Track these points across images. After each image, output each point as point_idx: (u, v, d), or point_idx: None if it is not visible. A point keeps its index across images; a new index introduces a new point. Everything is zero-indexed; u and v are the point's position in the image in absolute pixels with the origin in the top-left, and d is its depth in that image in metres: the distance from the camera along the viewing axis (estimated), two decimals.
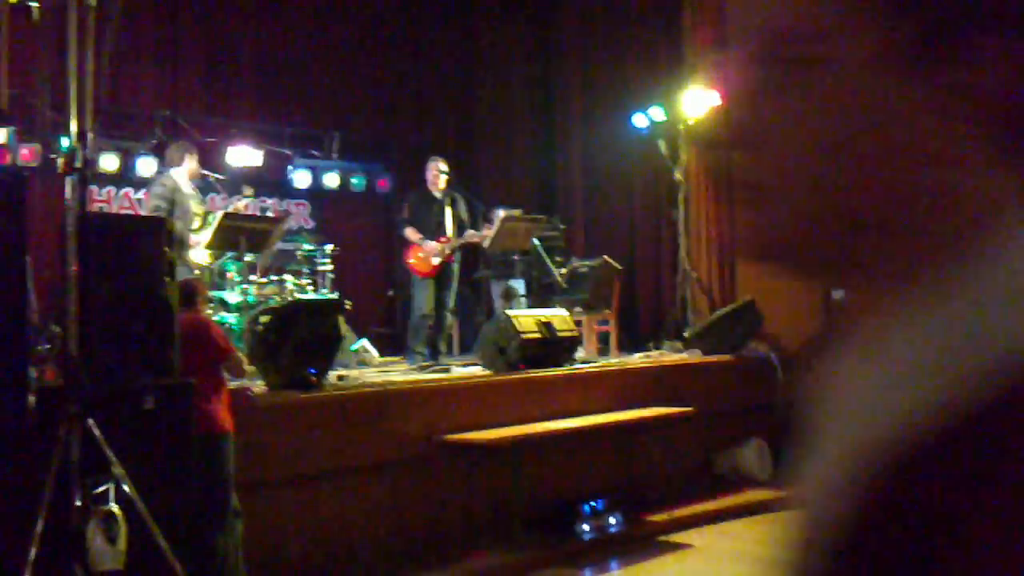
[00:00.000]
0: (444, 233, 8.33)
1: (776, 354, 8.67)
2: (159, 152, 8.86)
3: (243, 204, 7.75)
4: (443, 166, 8.45)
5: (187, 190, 7.35)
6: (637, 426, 7.16)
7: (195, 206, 7.30)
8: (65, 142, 4.18)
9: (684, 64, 10.29)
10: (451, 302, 8.39)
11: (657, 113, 10.21)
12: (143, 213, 8.14)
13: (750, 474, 8.10)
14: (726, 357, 8.50)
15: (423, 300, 8.27)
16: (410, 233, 8.33)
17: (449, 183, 8.52)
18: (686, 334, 9.14)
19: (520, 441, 6.20)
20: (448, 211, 8.41)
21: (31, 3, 6.26)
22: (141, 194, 9.29)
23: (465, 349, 9.80)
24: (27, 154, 8.02)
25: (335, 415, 5.74)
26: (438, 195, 8.43)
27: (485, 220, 8.56)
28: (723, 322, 8.64)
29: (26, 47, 6.93)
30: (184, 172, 7.39)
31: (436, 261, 8.23)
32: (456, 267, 8.43)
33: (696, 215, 10.09)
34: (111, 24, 5.48)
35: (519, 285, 9.37)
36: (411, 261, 8.35)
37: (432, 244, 8.21)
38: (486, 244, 8.45)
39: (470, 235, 8.31)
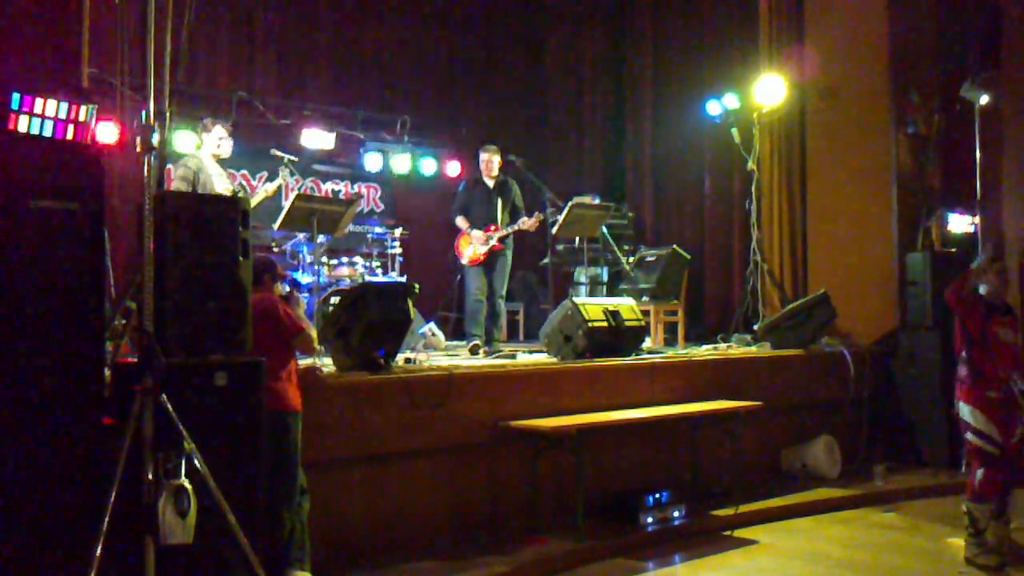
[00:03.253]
0: (494, 221, 8.34)
1: (849, 350, 8.50)
2: (234, 133, 8.95)
3: (273, 187, 7.67)
4: (495, 155, 8.45)
5: (212, 169, 7.25)
6: (703, 419, 7.07)
7: (220, 185, 7.24)
8: (143, 122, 4.23)
9: (759, 51, 10.10)
10: (503, 289, 8.37)
11: (731, 100, 10.06)
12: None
13: (819, 471, 7.96)
14: (797, 351, 8.34)
15: (474, 287, 8.32)
16: (460, 221, 8.38)
17: (503, 170, 8.52)
18: (756, 327, 9.00)
19: (584, 430, 6.17)
20: (499, 199, 8.42)
21: None
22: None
23: (530, 336, 9.78)
24: (106, 132, 8.20)
25: (402, 397, 5.76)
26: (490, 183, 8.45)
27: (552, 206, 8.50)
28: (795, 316, 8.48)
29: (106, 28, 7.06)
30: (208, 149, 7.31)
31: (483, 249, 8.25)
32: (508, 254, 8.40)
33: (769, 206, 9.92)
34: (190, 5, 5.56)
35: (600, 272, 9.32)
36: (460, 249, 8.38)
37: (478, 233, 8.23)
38: (554, 231, 8.41)
39: (521, 223, 8.30)
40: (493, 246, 8.25)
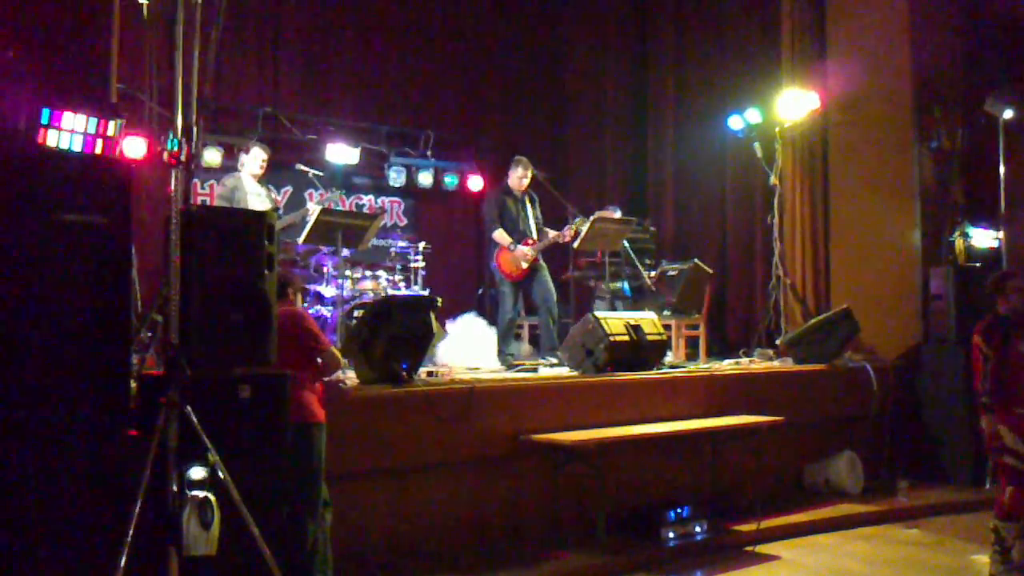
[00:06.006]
0: (528, 235, 8.39)
1: (872, 365, 8.46)
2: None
3: (299, 215, 7.92)
4: (529, 169, 8.50)
5: (250, 188, 7.55)
6: (725, 434, 7.05)
7: (256, 203, 7.49)
8: (171, 136, 4.29)
9: (781, 66, 10.10)
10: (552, 299, 8.39)
11: (753, 115, 10.05)
12: None
13: (841, 487, 7.92)
14: (819, 366, 8.31)
15: (510, 304, 8.36)
16: (500, 236, 8.38)
17: (530, 185, 8.58)
18: (779, 342, 8.97)
19: (606, 444, 6.17)
20: (530, 212, 8.48)
21: (142, 1, 6.48)
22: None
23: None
24: (134, 146, 8.30)
25: (424, 410, 5.79)
26: (519, 196, 8.50)
27: (573, 218, 8.53)
28: (817, 330, 8.45)
29: (134, 43, 7.16)
30: (248, 171, 7.63)
31: (525, 265, 8.28)
32: (545, 265, 8.46)
33: (791, 220, 9.90)
34: (216, 22, 5.63)
35: (622, 286, 9.34)
36: (501, 264, 8.40)
37: (522, 249, 8.26)
38: (575, 244, 8.43)
39: (553, 236, 8.34)
40: (532, 259, 8.30)
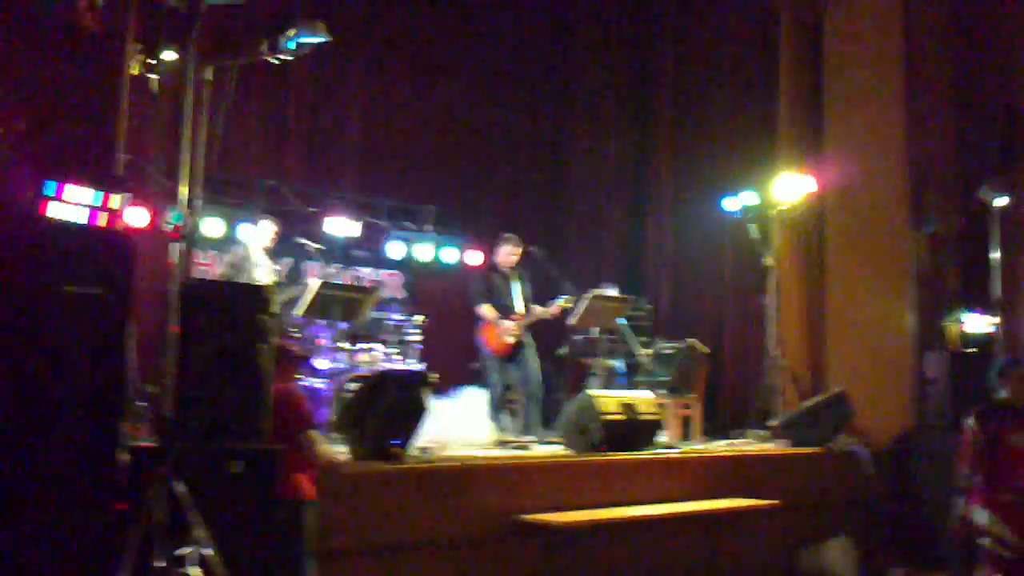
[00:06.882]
0: (515, 310, 8.43)
1: (867, 448, 8.43)
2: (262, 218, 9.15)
3: (298, 290, 8.02)
4: (519, 246, 8.58)
5: (258, 259, 7.65)
6: (719, 517, 7.00)
7: (262, 276, 7.58)
8: (173, 212, 4.37)
9: (777, 148, 10.25)
10: (534, 380, 8.38)
11: (749, 197, 10.15)
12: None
13: (836, 573, 7.83)
14: (814, 449, 8.28)
15: (497, 379, 8.37)
16: (487, 311, 8.43)
17: (519, 261, 8.65)
18: (773, 423, 8.95)
19: (599, 526, 6.12)
20: (517, 288, 8.53)
21: (150, 75, 6.62)
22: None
23: (545, 425, 9.76)
24: (137, 216, 8.40)
25: (415, 488, 5.75)
26: (507, 272, 8.57)
27: (563, 295, 8.56)
28: (812, 413, 8.44)
29: (141, 115, 7.30)
30: (258, 242, 7.74)
31: (511, 340, 8.31)
32: (530, 340, 8.47)
33: (786, 302, 9.94)
34: (225, 99, 5.76)
35: (617, 364, 9.35)
36: (487, 339, 8.43)
37: (508, 323, 8.30)
38: (572, 321, 8.46)
39: (540, 312, 8.39)
40: (519, 334, 8.32)
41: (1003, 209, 9.29)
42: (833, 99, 10.12)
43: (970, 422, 5.84)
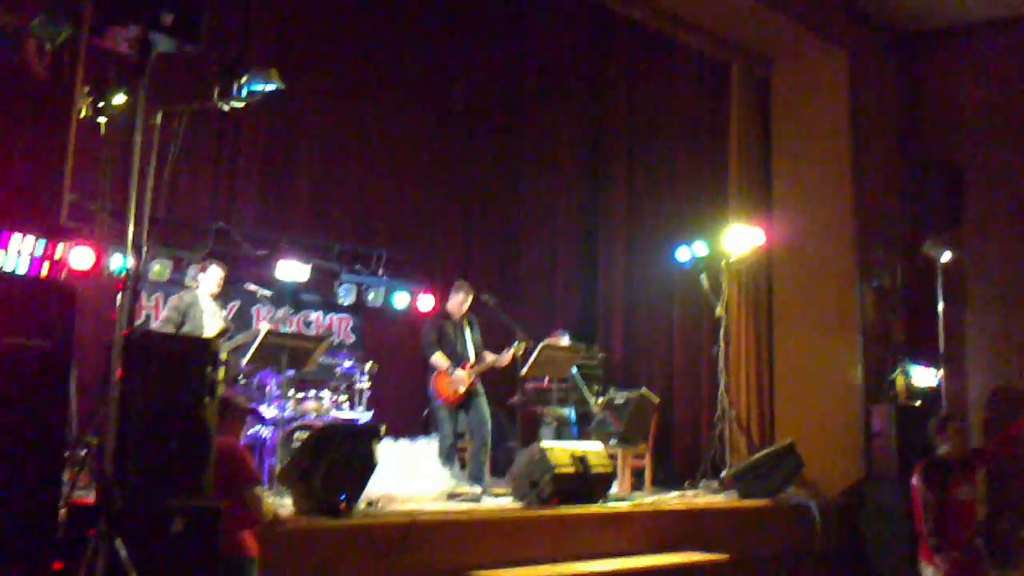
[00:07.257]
0: (467, 358, 8.39)
1: (815, 501, 8.46)
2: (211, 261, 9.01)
3: (250, 335, 7.88)
4: (470, 294, 8.56)
5: (206, 306, 7.53)
6: (670, 572, 6.95)
7: (211, 322, 7.46)
8: (119, 261, 4.27)
9: (728, 200, 10.37)
10: (485, 428, 8.32)
11: (700, 248, 10.24)
12: (155, 322, 8.24)
13: None
14: (763, 501, 8.30)
15: (448, 429, 8.34)
16: (439, 359, 8.37)
17: (470, 308, 8.63)
18: (723, 474, 8.96)
19: None
20: (468, 336, 8.50)
21: (99, 118, 6.51)
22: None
23: (496, 474, 9.67)
24: (81, 258, 8.22)
25: (361, 544, 5.64)
26: (458, 320, 8.54)
27: (514, 343, 8.52)
28: (762, 464, 8.47)
29: (88, 157, 7.16)
30: (206, 288, 7.62)
31: (462, 389, 8.26)
32: (481, 388, 8.42)
33: (736, 351, 10.01)
34: (175, 144, 5.67)
35: (569, 413, 9.31)
36: (439, 388, 8.37)
37: (460, 372, 8.26)
38: (523, 371, 8.43)
39: (491, 360, 8.36)
40: (470, 383, 8.28)
41: (947, 264, 9.51)
42: (781, 152, 10.31)
43: (915, 481, 5.89)
